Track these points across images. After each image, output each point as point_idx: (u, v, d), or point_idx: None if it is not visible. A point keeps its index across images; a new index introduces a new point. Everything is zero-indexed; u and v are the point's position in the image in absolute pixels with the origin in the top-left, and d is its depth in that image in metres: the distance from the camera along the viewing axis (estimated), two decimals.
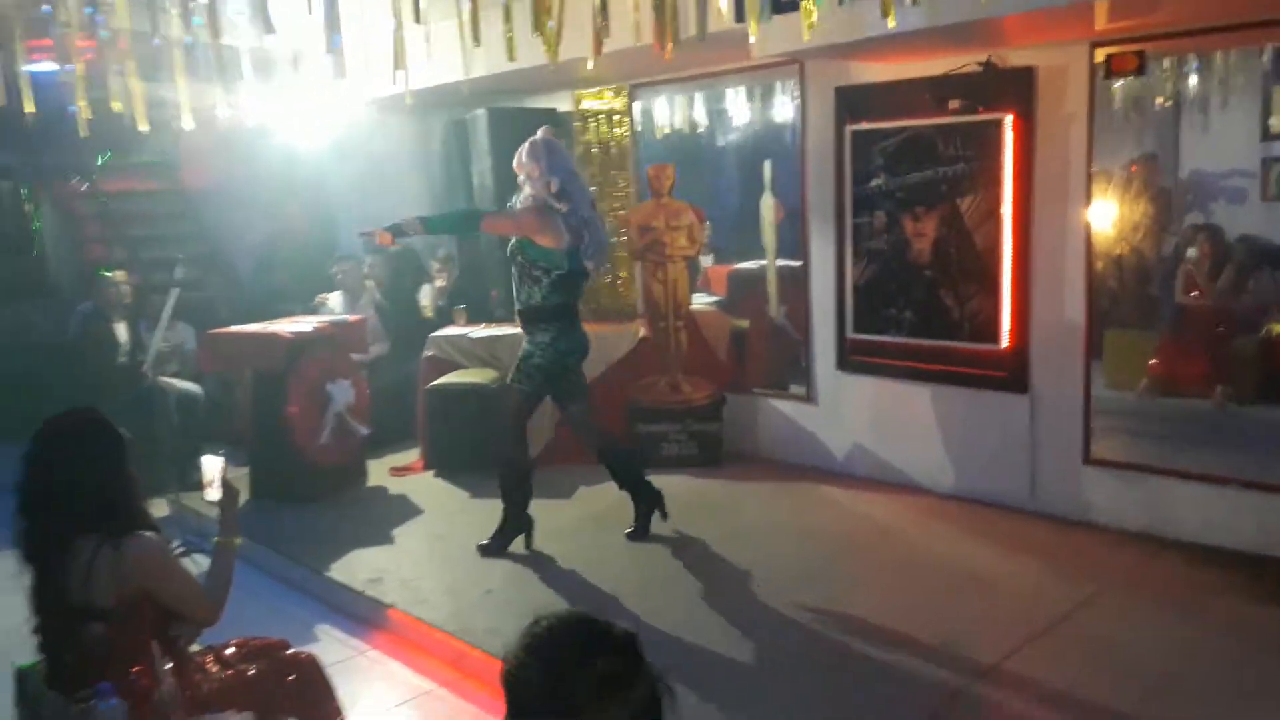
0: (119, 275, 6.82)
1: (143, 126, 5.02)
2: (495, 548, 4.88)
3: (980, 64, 4.94)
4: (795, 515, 5.30)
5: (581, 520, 5.34)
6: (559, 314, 4.64)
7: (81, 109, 5.02)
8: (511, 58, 4.34)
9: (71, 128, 4.79)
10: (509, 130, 6.78)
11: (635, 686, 1.37)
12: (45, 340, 7.81)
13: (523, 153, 4.60)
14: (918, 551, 4.75)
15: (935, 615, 4.00)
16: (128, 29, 5.22)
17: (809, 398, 6.06)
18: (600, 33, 4.07)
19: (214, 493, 2.73)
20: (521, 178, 4.63)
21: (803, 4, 3.53)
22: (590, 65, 4.24)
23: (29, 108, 5.15)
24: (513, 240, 4.68)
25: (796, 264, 6.05)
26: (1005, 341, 5.04)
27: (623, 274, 6.97)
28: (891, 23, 3.24)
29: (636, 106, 6.81)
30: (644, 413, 6.16)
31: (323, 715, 2.88)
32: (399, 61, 4.56)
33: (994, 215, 4.98)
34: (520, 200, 4.67)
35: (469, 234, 5.13)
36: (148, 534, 2.52)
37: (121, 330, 6.66)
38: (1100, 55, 4.57)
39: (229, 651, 2.87)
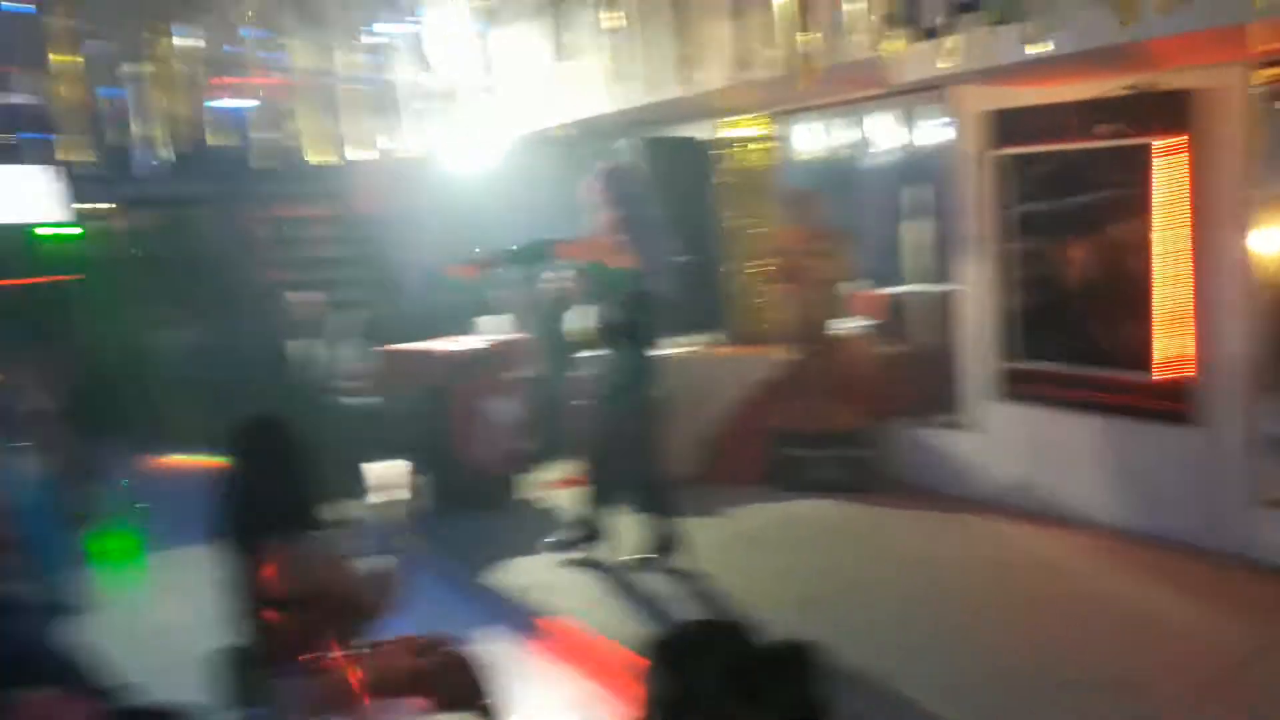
0: (305, 296, 7.39)
1: (314, 158, 5.49)
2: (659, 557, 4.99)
3: (1128, 88, 4.80)
4: (948, 546, 5.20)
5: (726, 540, 5.42)
6: (628, 333, 4.78)
7: (261, 141, 5.53)
8: (650, 92, 4.50)
9: (253, 160, 5.27)
10: (656, 159, 7.01)
11: (783, 692, 1.43)
12: (230, 358, 8.55)
13: (596, 180, 4.81)
14: (1080, 588, 4.58)
15: (1099, 656, 3.85)
16: (303, 67, 5.72)
17: (964, 426, 5.94)
18: (740, 63, 4.18)
19: (390, 496, 2.98)
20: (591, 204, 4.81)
21: (942, 33, 3.56)
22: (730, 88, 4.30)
23: (221, 141, 5.70)
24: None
25: (946, 289, 5.98)
26: (1166, 372, 4.82)
27: (763, 298, 7.04)
28: (1036, 49, 3.23)
29: (783, 132, 6.90)
30: (789, 437, 6.20)
31: (483, 708, 3.09)
32: (553, 95, 4.83)
33: (1148, 241, 4.79)
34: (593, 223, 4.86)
35: (543, 262, 5.32)
36: (328, 532, 2.79)
37: (305, 347, 7.22)
38: (1260, 76, 4.37)
39: (401, 645, 3.12)
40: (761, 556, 5.10)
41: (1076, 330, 5.18)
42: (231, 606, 2.83)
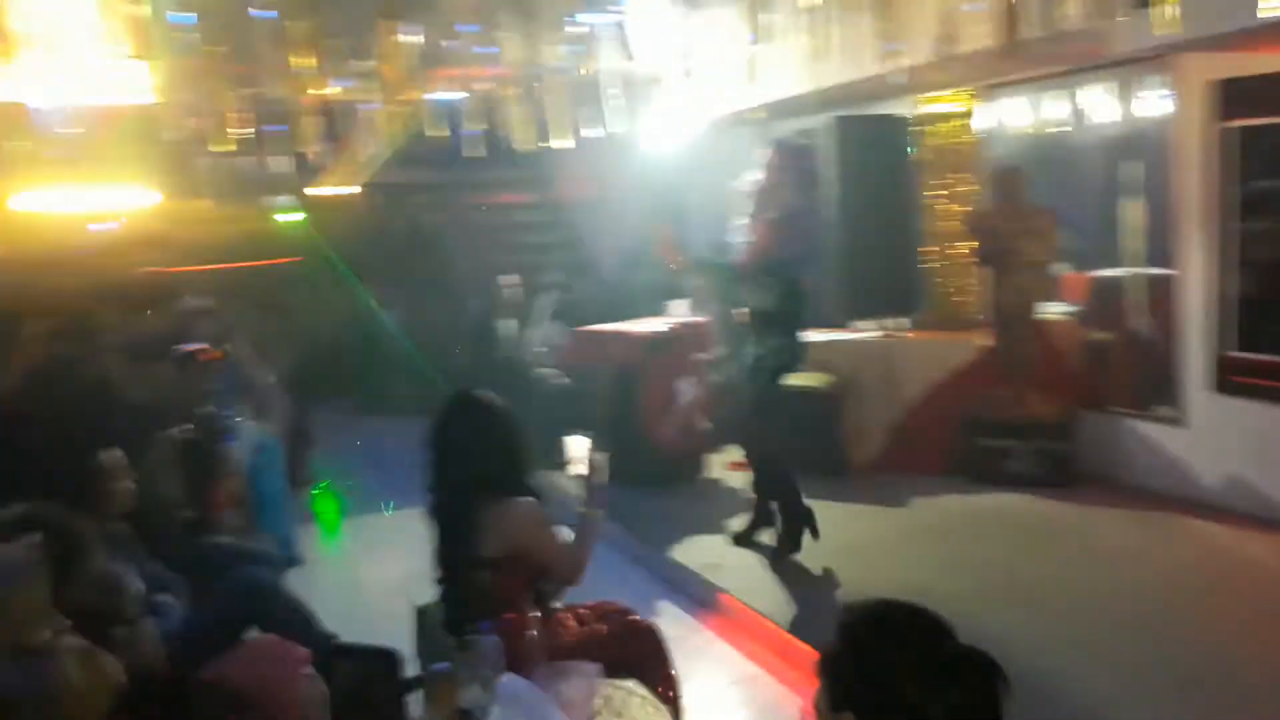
0: (509, 279, 7.78)
1: (524, 145, 5.74)
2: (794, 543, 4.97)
3: None
4: (1158, 547, 4.88)
5: (915, 529, 5.31)
6: (789, 319, 4.76)
7: (478, 132, 5.84)
8: (847, 70, 4.43)
9: (468, 148, 5.59)
10: (856, 137, 6.88)
11: (959, 680, 1.43)
12: (441, 334, 9.13)
13: (770, 153, 4.74)
14: None
15: None
16: (512, 59, 5.99)
17: (1177, 420, 5.54)
18: (944, 37, 4.05)
19: (582, 469, 3.13)
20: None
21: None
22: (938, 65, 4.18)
23: (436, 131, 6.06)
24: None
25: (1165, 272, 5.56)
26: None
27: (964, 281, 6.79)
28: (1269, 12, 2.95)
29: (987, 109, 6.60)
30: (985, 426, 5.96)
31: (659, 678, 3.19)
32: (750, 76, 4.83)
33: None
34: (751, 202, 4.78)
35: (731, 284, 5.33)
36: (530, 499, 2.96)
37: (507, 326, 7.61)
38: None
39: (584, 611, 3.27)
40: (945, 548, 4.97)
41: None
42: (436, 566, 3.05)
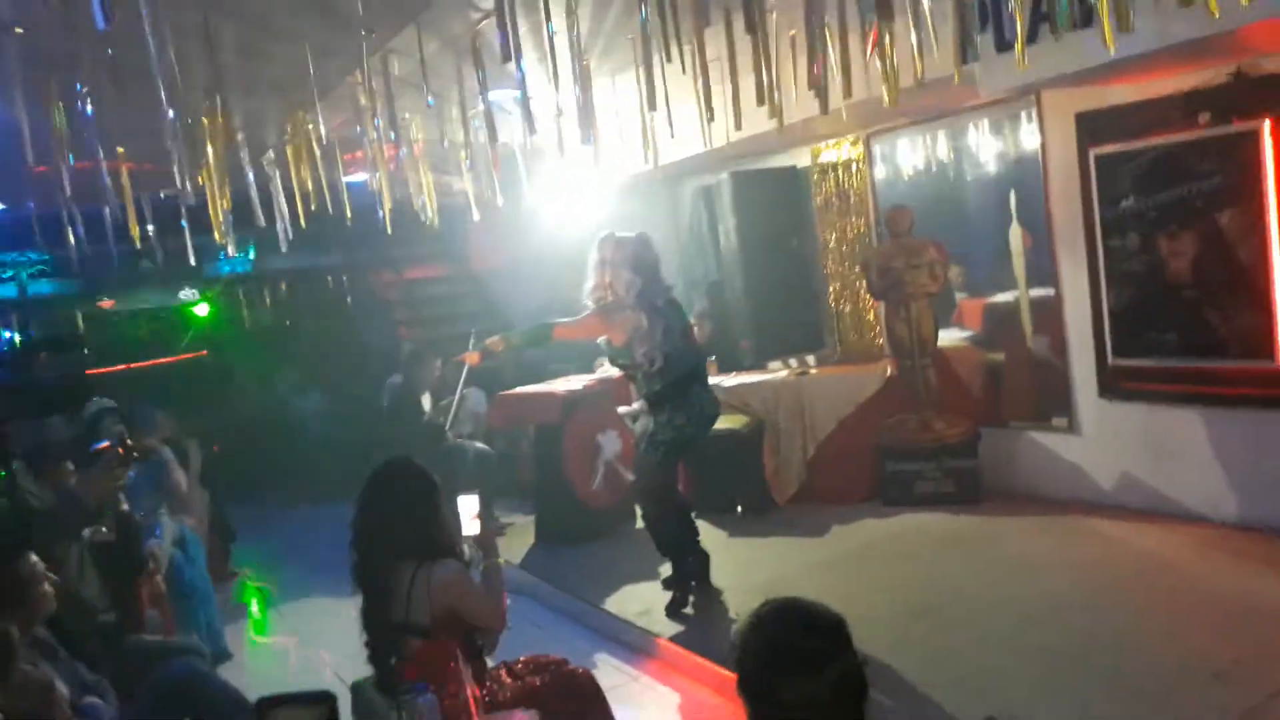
0: (424, 350, 7.84)
1: (433, 219, 5.87)
2: (677, 603, 5.05)
3: (1230, 74, 4.72)
4: (1062, 549, 5.15)
5: (836, 557, 5.48)
6: (668, 395, 4.85)
7: (386, 210, 5.95)
8: (738, 127, 4.69)
9: (379, 227, 5.69)
10: (752, 190, 7.20)
11: (836, 664, 1.61)
12: (363, 410, 9.09)
13: (606, 249, 4.90)
14: (1198, 583, 4.49)
15: (1214, 647, 3.80)
16: (421, 138, 6.15)
17: (1071, 428, 5.87)
18: (823, 93, 4.31)
19: (472, 526, 3.21)
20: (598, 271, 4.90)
21: (1016, 44, 3.61)
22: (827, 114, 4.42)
23: (347, 214, 6.15)
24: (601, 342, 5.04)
25: (1049, 292, 5.93)
26: None
27: (864, 316, 7.11)
28: (1111, 50, 3.25)
29: (876, 151, 6.98)
30: (895, 452, 6.22)
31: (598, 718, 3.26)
32: (646, 143, 5.05)
33: (1258, 227, 4.70)
34: (587, 297, 4.96)
35: (545, 344, 5.49)
36: (452, 560, 3.03)
37: (426, 398, 7.63)
38: None
39: (519, 666, 3.33)
40: (871, 571, 5.14)
41: (1186, 323, 5.09)
42: (366, 631, 3.09)
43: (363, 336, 10.50)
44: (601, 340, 5.09)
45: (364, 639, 3.12)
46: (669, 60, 3.80)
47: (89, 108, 4.28)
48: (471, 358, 5.39)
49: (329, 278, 11.11)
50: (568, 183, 8.16)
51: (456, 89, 5.26)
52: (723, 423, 6.62)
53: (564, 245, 8.96)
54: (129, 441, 4.57)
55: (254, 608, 6.53)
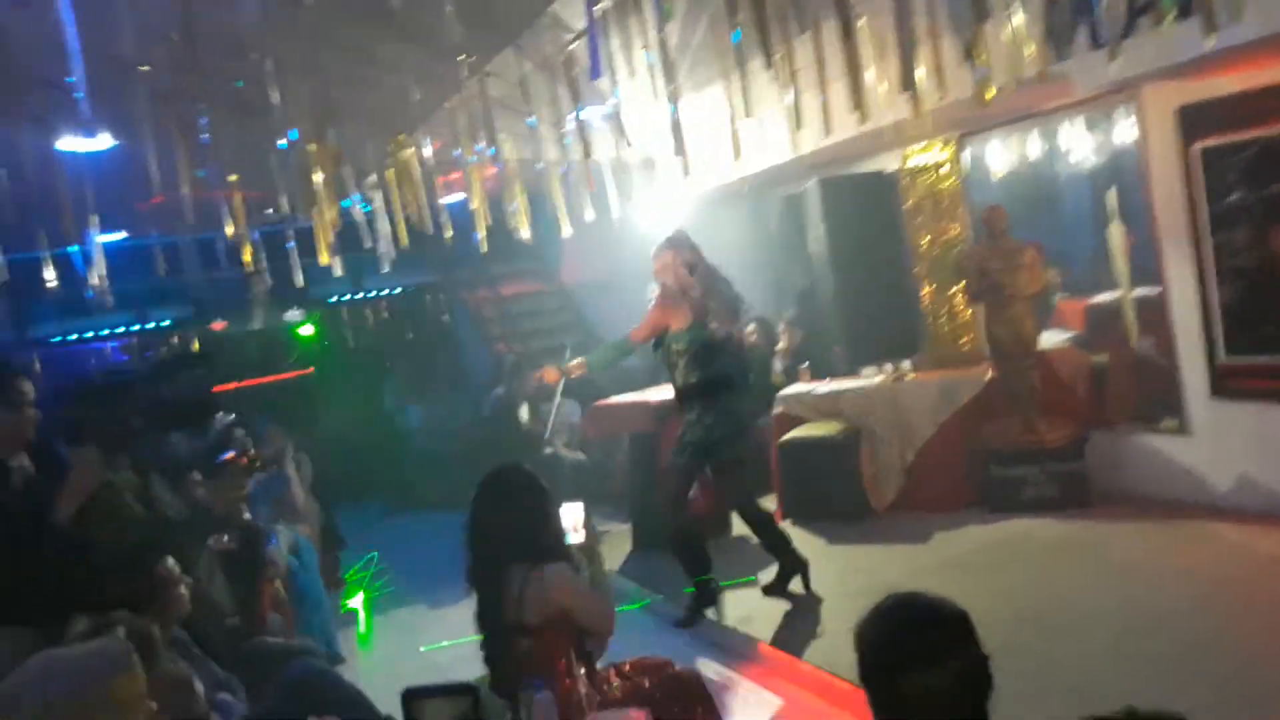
0: (522, 363, 8.04)
1: (527, 237, 6.04)
2: (691, 617, 5.18)
3: None
4: (1174, 554, 4.99)
5: (939, 564, 5.42)
6: (702, 390, 4.97)
7: (483, 229, 6.14)
8: (828, 133, 4.70)
9: (475, 246, 5.89)
10: (840, 197, 7.19)
11: (958, 657, 1.63)
12: (462, 423, 9.36)
13: (663, 250, 5.16)
14: None
15: None
16: (516, 158, 6.33)
17: (1181, 429, 5.69)
18: (915, 95, 4.30)
19: (577, 536, 3.30)
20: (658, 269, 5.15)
21: (1113, 39, 3.57)
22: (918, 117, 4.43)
23: (447, 234, 6.37)
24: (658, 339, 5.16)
25: (1154, 291, 5.77)
26: None
27: (961, 319, 7.01)
28: (1210, 43, 3.19)
29: (967, 153, 6.90)
30: (998, 456, 6.11)
31: (706, 717, 3.31)
32: (735, 152, 5.12)
33: None
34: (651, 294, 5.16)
35: (625, 356, 5.63)
36: (562, 563, 3.13)
37: (524, 410, 7.83)
38: None
39: (626, 668, 3.41)
40: (975, 578, 5.06)
41: None
42: (480, 633, 3.21)
43: (460, 352, 10.80)
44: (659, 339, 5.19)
45: (478, 640, 3.24)
46: (768, 68, 3.84)
47: (206, 138, 4.56)
48: (550, 374, 5.54)
49: (427, 296, 11.47)
50: (656, 197, 8.28)
51: (547, 109, 5.42)
52: (816, 429, 6.67)
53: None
54: (252, 454, 4.82)
55: (365, 614, 6.77)
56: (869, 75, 4.37)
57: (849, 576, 5.34)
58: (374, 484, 9.78)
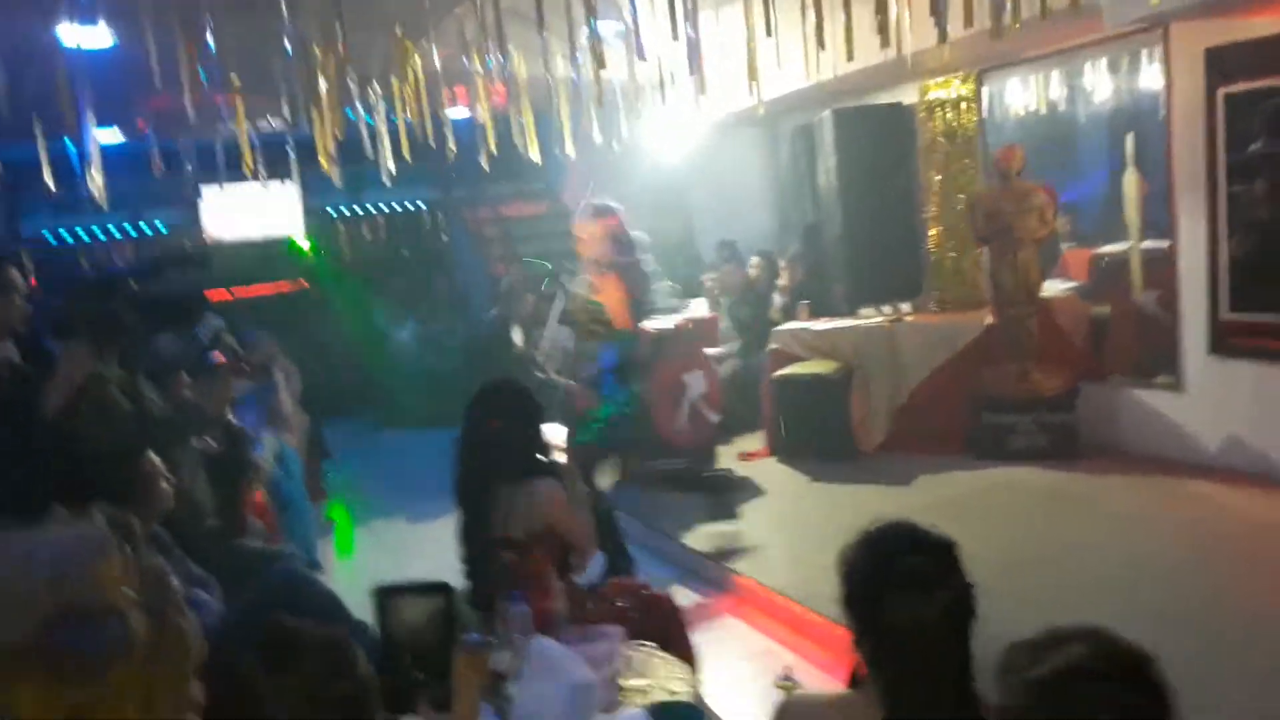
0: (518, 286, 7.94)
1: (535, 157, 5.89)
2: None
3: None
4: (1163, 509, 4.98)
5: (925, 506, 5.40)
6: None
7: (489, 146, 5.99)
8: (849, 58, 4.54)
9: (479, 163, 5.75)
10: (854, 129, 7.02)
11: (944, 586, 1.58)
12: (459, 342, 9.30)
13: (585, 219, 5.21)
14: None
15: None
16: (525, 73, 6.14)
17: (1177, 386, 5.64)
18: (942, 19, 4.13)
19: (559, 457, 3.28)
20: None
21: None
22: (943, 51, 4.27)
23: (450, 149, 6.22)
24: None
25: (1163, 244, 5.67)
26: None
27: (968, 260, 6.91)
28: None
29: (985, 91, 6.73)
30: (991, 402, 6.06)
31: (677, 647, 3.31)
32: (752, 74, 4.95)
33: None
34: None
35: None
36: (552, 478, 3.10)
37: (518, 333, 7.75)
38: None
39: (603, 589, 3.40)
40: (962, 523, 4.91)
41: None
42: (463, 545, 3.19)
43: (458, 271, 10.68)
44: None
45: (460, 553, 3.22)
46: None
47: (210, 40, 4.39)
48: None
49: (426, 214, 11.30)
50: (666, 120, 8.08)
51: (559, 20, 5.24)
52: (810, 367, 6.62)
53: (661, 185, 8.95)
54: (241, 357, 4.76)
55: (344, 525, 6.79)
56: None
57: (832, 514, 5.33)
58: (365, 399, 9.74)
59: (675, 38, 5.13)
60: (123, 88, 5.51)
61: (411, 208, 11.30)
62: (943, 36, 4.02)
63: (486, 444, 3.12)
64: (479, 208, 10.57)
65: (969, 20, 3.94)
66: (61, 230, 10.02)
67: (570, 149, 5.84)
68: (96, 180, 4.66)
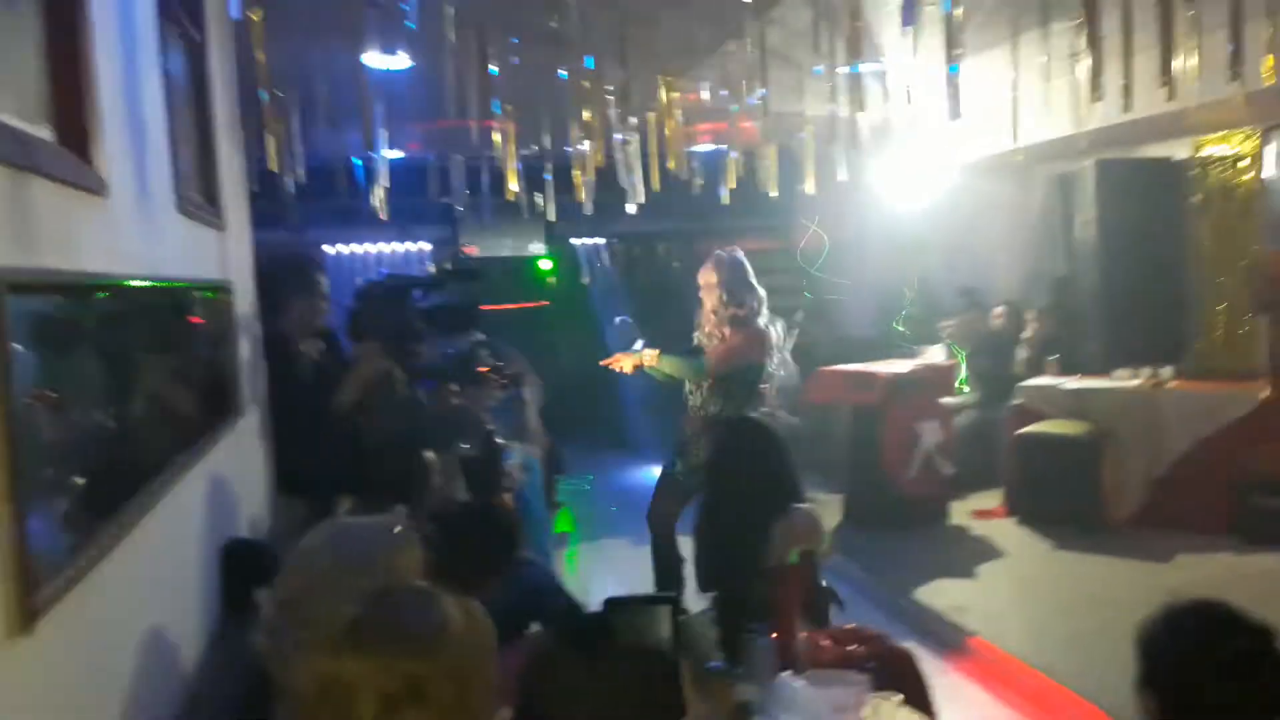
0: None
1: (773, 192, 5.99)
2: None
3: None
4: None
5: (1182, 588, 4.97)
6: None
7: (730, 180, 6.14)
8: (1127, 109, 4.34)
9: (718, 196, 5.88)
10: (1119, 181, 6.67)
11: (1266, 668, 1.51)
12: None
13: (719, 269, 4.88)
14: None
15: None
16: (776, 110, 6.26)
17: None
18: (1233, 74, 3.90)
19: None
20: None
21: None
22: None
23: (697, 182, 6.42)
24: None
25: None
26: None
27: (1239, 330, 6.37)
28: None
29: (1270, 149, 6.22)
30: (1262, 485, 5.54)
31: (917, 702, 3.24)
32: (1013, 120, 4.83)
33: None
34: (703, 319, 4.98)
35: (697, 375, 5.19)
36: (806, 507, 3.15)
37: None
38: None
39: (840, 632, 3.39)
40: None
41: None
42: (713, 574, 3.28)
43: (687, 301, 10.87)
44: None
45: (702, 581, 3.31)
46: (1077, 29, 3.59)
47: (493, 68, 4.76)
48: (621, 362, 5.33)
49: (661, 244, 11.64)
50: (911, 162, 7.97)
51: (811, 60, 5.28)
52: (1058, 426, 6.30)
53: (900, 226, 8.81)
54: (503, 369, 5.10)
55: (570, 537, 7.08)
56: (1184, 49, 4.02)
57: (1079, 583, 5.06)
58: (588, 421, 10.10)
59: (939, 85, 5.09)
60: (409, 109, 6.02)
61: (648, 235, 11.66)
62: (1242, 88, 3.78)
63: (740, 477, 3.20)
64: (713, 240, 10.76)
65: (1275, 75, 3.69)
66: (337, 240, 11.05)
67: (810, 187, 5.89)
68: (379, 194, 5.17)
